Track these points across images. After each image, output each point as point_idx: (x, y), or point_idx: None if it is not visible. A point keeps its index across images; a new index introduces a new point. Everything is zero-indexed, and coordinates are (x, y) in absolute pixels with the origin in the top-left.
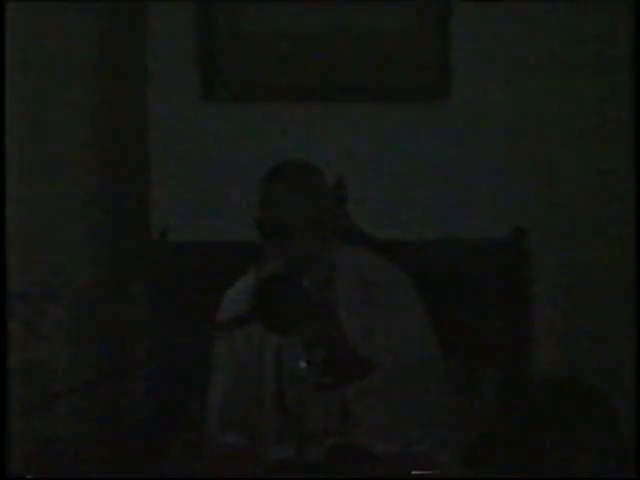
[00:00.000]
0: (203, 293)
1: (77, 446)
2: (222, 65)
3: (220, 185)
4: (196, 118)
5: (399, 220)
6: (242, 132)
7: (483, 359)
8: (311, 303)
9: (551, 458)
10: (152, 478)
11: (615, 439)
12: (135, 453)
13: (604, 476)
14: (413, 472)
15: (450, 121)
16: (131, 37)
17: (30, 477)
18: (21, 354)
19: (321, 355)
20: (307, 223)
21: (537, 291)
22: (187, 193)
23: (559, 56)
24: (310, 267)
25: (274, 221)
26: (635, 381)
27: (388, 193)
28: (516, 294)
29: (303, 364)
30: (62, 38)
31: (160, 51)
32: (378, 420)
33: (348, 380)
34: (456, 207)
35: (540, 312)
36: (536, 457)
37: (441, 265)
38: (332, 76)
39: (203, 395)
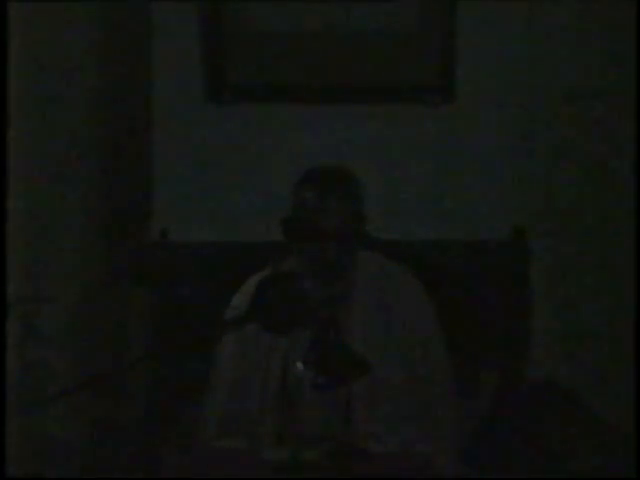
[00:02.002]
0: (203, 293)
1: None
2: (226, 67)
3: (221, 186)
4: (200, 119)
5: (399, 220)
6: (246, 133)
7: (483, 359)
8: (309, 303)
9: (549, 457)
10: (152, 478)
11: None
12: (133, 454)
13: (603, 475)
14: (413, 472)
15: (451, 122)
16: (135, 38)
17: (30, 477)
18: (20, 354)
19: (317, 356)
20: (344, 229)
21: (537, 291)
22: (188, 193)
23: (561, 57)
24: (337, 280)
25: (310, 224)
26: (635, 381)
27: (388, 194)
28: (516, 294)
29: (300, 365)
30: (64, 39)
31: (164, 53)
32: (380, 423)
33: (344, 381)
34: (456, 207)
35: (540, 312)
36: (535, 456)
37: (441, 265)
38: (336, 77)
39: (203, 395)
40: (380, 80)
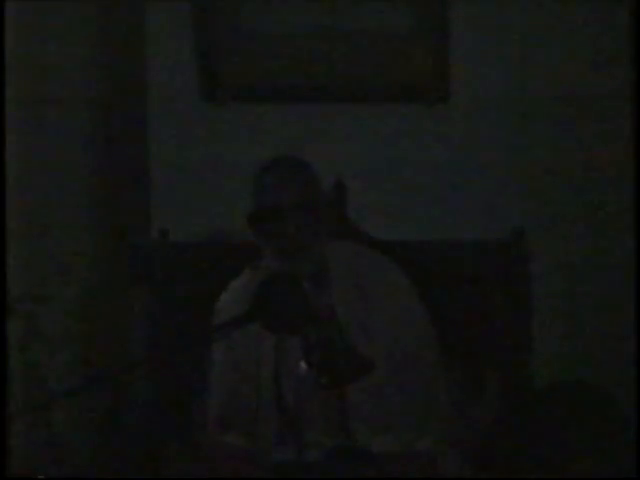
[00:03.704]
0: (203, 293)
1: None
2: (222, 66)
3: (220, 185)
4: (196, 119)
5: (399, 220)
6: (242, 133)
7: (483, 359)
8: (311, 304)
9: (551, 459)
10: (152, 478)
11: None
12: (134, 454)
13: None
14: (414, 472)
15: (449, 122)
16: (130, 38)
17: (30, 477)
18: (21, 354)
19: (320, 356)
20: (300, 207)
21: (537, 291)
22: (187, 193)
23: (559, 56)
24: (302, 257)
25: (267, 207)
26: (635, 381)
27: (388, 194)
28: (516, 294)
29: (303, 366)
30: (60, 38)
31: (159, 52)
32: (378, 419)
33: (347, 381)
34: (456, 208)
35: (540, 312)
36: (537, 458)
37: (441, 265)
38: (332, 77)
39: (203, 395)
40: (379, 81)
